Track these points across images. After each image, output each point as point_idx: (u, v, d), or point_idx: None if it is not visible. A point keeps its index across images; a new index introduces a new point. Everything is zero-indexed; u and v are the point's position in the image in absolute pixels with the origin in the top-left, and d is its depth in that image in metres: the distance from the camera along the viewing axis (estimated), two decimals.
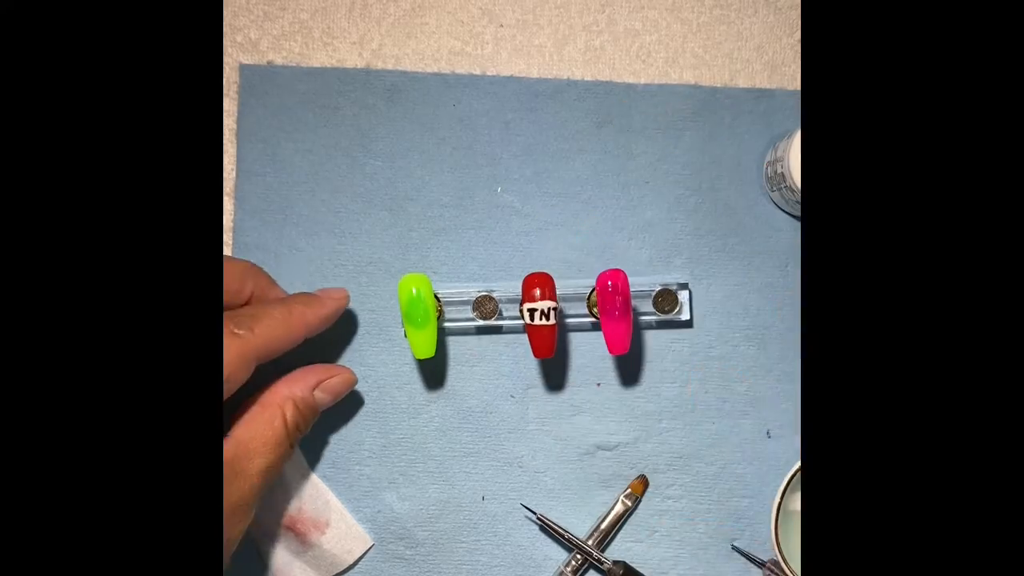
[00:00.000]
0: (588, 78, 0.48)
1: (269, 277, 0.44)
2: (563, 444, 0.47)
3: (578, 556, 0.46)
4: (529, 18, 0.48)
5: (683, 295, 0.45)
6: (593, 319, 0.45)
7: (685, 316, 0.46)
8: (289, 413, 0.41)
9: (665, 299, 0.45)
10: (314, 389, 0.43)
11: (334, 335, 0.46)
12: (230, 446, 0.39)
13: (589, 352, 0.47)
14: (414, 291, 0.42)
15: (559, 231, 0.47)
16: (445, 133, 0.47)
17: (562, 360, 0.47)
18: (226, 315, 0.39)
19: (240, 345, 0.38)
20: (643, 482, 0.47)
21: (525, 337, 0.44)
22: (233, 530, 0.39)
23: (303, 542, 0.46)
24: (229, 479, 0.38)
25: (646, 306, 0.46)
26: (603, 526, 0.46)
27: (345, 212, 0.47)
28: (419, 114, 0.47)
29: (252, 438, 0.40)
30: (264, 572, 0.47)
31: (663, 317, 0.46)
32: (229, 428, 0.41)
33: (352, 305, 0.47)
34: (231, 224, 0.47)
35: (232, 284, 0.41)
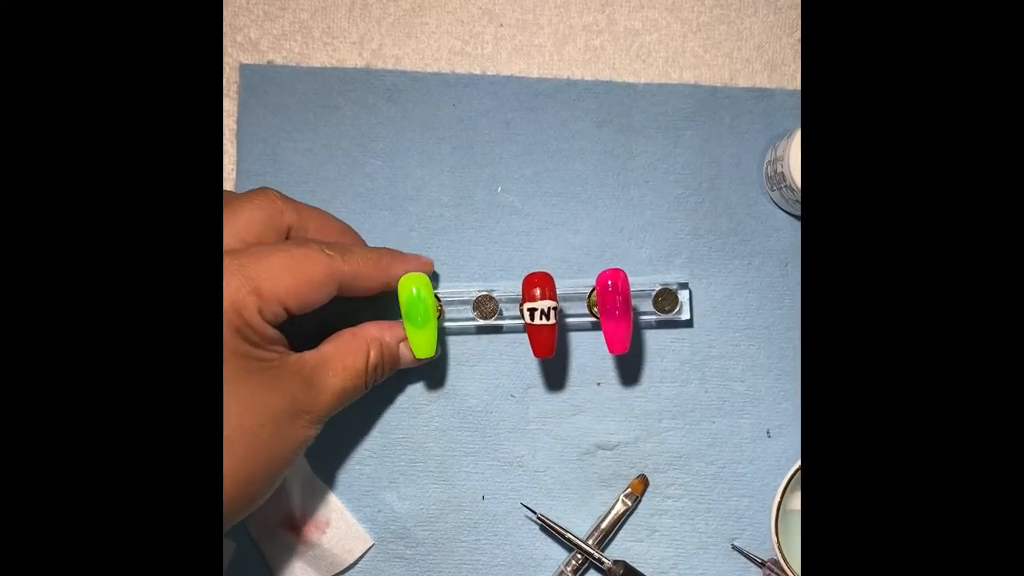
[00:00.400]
0: (588, 78, 0.48)
1: (362, 239, 0.46)
2: (563, 444, 0.47)
3: (578, 556, 0.46)
4: (529, 18, 0.48)
5: (683, 295, 0.45)
6: (593, 319, 0.45)
7: (685, 316, 0.46)
8: (374, 351, 0.42)
9: (665, 299, 0.45)
10: (400, 342, 0.44)
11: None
12: (315, 357, 0.40)
13: (589, 352, 0.47)
14: (414, 291, 0.42)
15: (559, 231, 0.47)
16: (445, 133, 0.47)
17: (562, 360, 0.47)
18: (319, 243, 0.40)
19: (329, 264, 0.40)
20: (643, 482, 0.47)
21: (525, 337, 0.44)
22: (298, 434, 0.40)
23: (303, 542, 0.46)
24: (305, 387, 0.39)
25: (646, 306, 0.46)
26: (603, 526, 0.46)
27: (345, 212, 0.47)
28: (419, 114, 0.47)
29: (336, 357, 0.41)
30: (264, 572, 0.47)
31: (663, 317, 0.46)
32: (319, 350, 0.41)
33: (352, 305, 0.47)
34: None
35: (331, 237, 0.43)
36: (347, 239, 0.44)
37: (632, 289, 0.44)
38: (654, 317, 0.46)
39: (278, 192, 0.41)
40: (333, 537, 0.46)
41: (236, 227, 0.39)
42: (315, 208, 0.43)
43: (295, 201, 0.42)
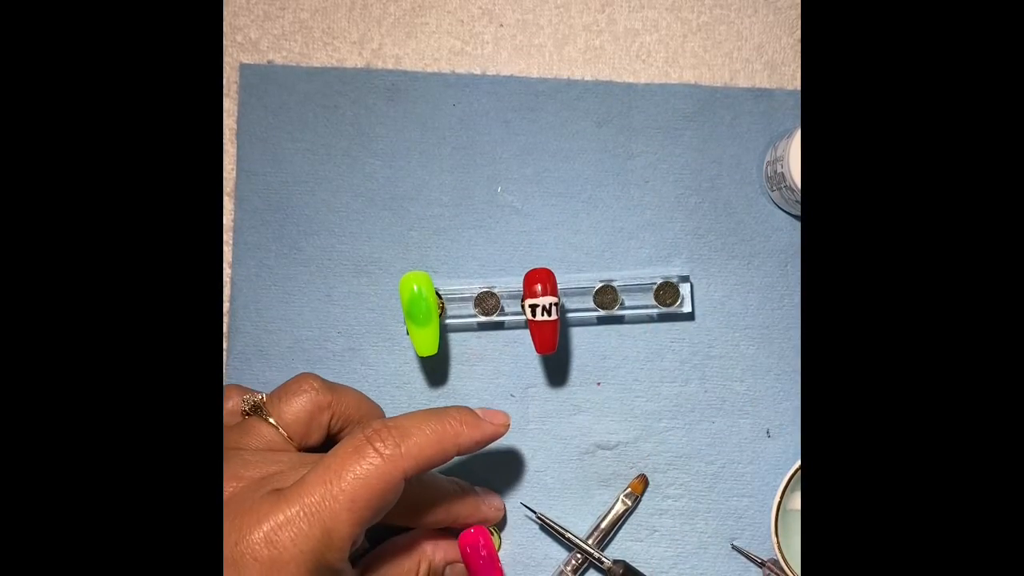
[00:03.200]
0: (588, 78, 0.48)
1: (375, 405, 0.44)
2: (563, 443, 0.47)
3: (578, 555, 0.46)
4: (529, 18, 0.48)
5: (684, 288, 0.45)
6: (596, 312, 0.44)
7: (687, 309, 0.46)
8: (423, 570, 0.42)
9: (667, 292, 0.45)
10: (449, 565, 0.43)
11: (335, 334, 0.47)
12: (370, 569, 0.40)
13: (590, 351, 0.47)
14: (415, 288, 0.42)
15: (559, 231, 0.47)
16: (445, 133, 0.47)
17: (562, 359, 0.47)
18: (368, 432, 0.36)
19: (385, 467, 0.35)
20: (643, 481, 0.47)
21: (526, 336, 0.44)
22: None
23: None
24: None
25: (647, 299, 0.46)
26: (603, 525, 0.46)
27: (345, 212, 0.47)
28: (419, 114, 0.47)
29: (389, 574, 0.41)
30: None
31: (665, 310, 0.45)
32: (371, 558, 0.41)
33: (352, 305, 0.47)
34: (231, 224, 0.47)
35: (350, 411, 0.41)
36: (364, 408, 0.43)
37: (632, 283, 0.45)
38: (655, 311, 0.46)
39: (315, 376, 0.41)
40: None
41: (291, 425, 0.39)
42: (346, 387, 0.42)
43: (328, 382, 0.41)
